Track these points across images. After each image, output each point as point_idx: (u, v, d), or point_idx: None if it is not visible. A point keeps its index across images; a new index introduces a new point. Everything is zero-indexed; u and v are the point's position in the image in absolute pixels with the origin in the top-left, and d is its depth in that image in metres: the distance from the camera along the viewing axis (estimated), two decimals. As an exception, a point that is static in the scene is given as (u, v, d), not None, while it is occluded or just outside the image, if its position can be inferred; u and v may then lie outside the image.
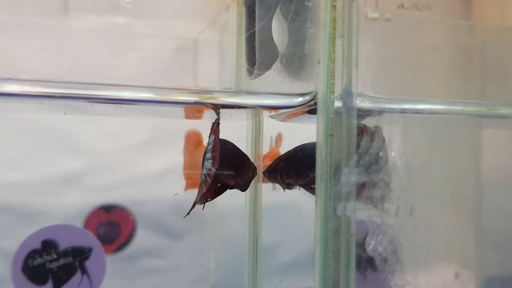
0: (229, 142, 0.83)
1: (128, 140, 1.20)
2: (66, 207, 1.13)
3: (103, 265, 0.89)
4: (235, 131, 0.86)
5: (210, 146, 0.75)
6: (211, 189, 0.80)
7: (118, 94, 0.68)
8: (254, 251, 1.05)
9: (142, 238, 1.20)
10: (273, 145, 1.02)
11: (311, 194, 0.85)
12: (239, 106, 0.72)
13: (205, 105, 0.71)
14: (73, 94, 0.66)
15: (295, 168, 0.85)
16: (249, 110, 0.85)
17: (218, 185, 0.82)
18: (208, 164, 0.75)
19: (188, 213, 0.82)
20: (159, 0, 1.06)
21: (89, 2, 1.12)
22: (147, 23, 1.15)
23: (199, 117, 0.83)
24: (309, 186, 0.85)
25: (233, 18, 0.95)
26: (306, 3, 0.70)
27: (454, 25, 0.84)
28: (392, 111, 0.68)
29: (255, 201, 1.04)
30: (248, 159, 0.86)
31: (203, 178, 0.77)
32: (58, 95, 0.64)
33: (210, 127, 0.76)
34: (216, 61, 1.04)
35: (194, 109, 0.76)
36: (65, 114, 0.81)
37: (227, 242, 1.19)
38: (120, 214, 1.18)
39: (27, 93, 0.64)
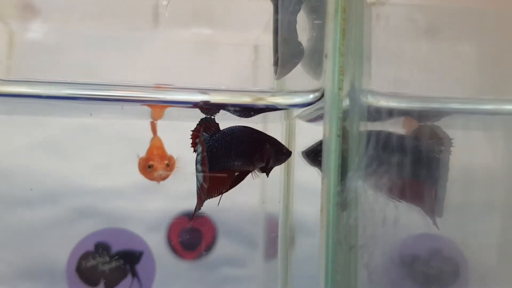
0: (244, 128, 0.79)
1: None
2: (150, 213, 1.17)
3: (153, 270, 0.91)
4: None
5: (199, 158, 0.72)
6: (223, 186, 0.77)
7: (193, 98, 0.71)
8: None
9: (223, 246, 1.20)
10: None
11: None
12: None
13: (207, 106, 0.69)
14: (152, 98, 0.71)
15: None
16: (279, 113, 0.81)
17: (236, 173, 0.78)
18: (200, 177, 0.72)
19: (194, 214, 0.79)
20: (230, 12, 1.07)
21: (178, 16, 1.16)
22: (226, 34, 1.17)
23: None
24: None
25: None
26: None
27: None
28: (410, 109, 0.60)
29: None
30: (265, 141, 0.80)
31: (198, 192, 0.74)
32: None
33: (192, 136, 0.74)
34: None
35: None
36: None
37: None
38: (202, 221, 1.20)
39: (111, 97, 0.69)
